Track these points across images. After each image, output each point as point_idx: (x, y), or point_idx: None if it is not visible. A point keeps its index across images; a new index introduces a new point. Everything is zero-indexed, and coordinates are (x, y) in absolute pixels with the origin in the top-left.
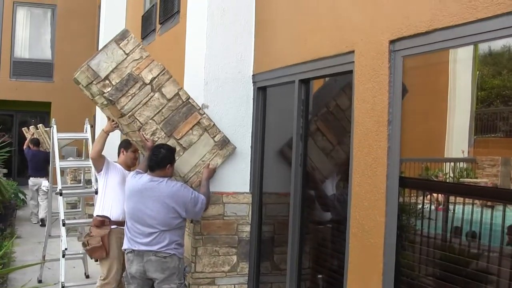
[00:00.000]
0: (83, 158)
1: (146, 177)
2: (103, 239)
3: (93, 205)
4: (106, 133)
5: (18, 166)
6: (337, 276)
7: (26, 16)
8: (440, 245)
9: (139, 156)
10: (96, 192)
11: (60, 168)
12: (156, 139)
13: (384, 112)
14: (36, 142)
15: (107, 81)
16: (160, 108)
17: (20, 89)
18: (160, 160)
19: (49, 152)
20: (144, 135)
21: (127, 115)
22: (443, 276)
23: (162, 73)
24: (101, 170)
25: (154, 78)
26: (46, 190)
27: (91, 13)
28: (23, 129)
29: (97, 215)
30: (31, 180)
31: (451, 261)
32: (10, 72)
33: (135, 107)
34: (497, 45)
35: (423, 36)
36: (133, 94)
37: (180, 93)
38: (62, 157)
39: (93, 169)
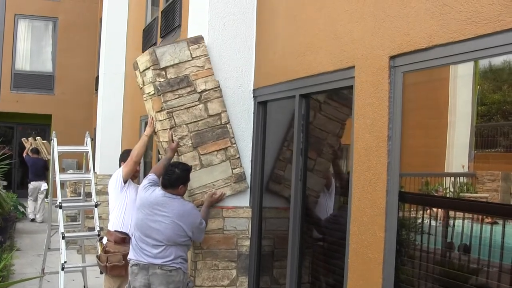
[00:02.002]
0: (83, 171)
1: (159, 191)
2: (125, 257)
3: (93, 218)
4: (147, 136)
5: (18, 179)
6: None
7: (27, 29)
8: (440, 261)
9: (140, 168)
10: (96, 206)
11: (60, 181)
12: (182, 144)
13: (384, 128)
14: (36, 151)
15: (163, 72)
16: (198, 119)
17: (20, 101)
18: (174, 180)
19: (47, 160)
20: (173, 136)
21: (166, 111)
22: None
23: (214, 89)
24: (127, 181)
25: (206, 90)
26: (44, 190)
27: (92, 26)
28: (22, 139)
29: (115, 231)
30: (32, 184)
31: (451, 276)
32: (11, 84)
33: (177, 106)
34: (498, 60)
35: (423, 52)
36: (180, 95)
37: (222, 114)
38: (62, 170)
39: (93, 182)
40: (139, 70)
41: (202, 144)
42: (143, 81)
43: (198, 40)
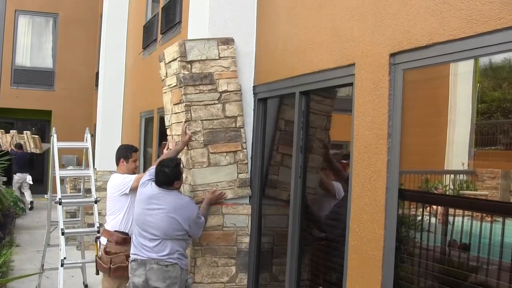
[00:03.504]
0: (83, 167)
1: (155, 185)
2: (128, 258)
3: (92, 214)
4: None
5: None
6: None
7: (28, 24)
8: (439, 258)
9: (139, 165)
10: (96, 202)
11: (60, 177)
12: (194, 139)
13: (384, 125)
14: (20, 146)
15: (188, 65)
16: (214, 118)
17: (20, 97)
18: (166, 180)
19: (31, 153)
20: (187, 129)
21: (185, 103)
22: None
23: (235, 92)
24: (136, 187)
25: (227, 91)
26: (30, 183)
27: (92, 22)
28: None
29: (116, 231)
30: (18, 175)
31: (450, 274)
32: (11, 80)
33: (196, 101)
34: (498, 58)
35: (424, 49)
36: (201, 91)
37: (238, 118)
38: (62, 166)
39: (92, 178)
40: (164, 62)
41: (214, 143)
42: (167, 73)
43: (228, 41)
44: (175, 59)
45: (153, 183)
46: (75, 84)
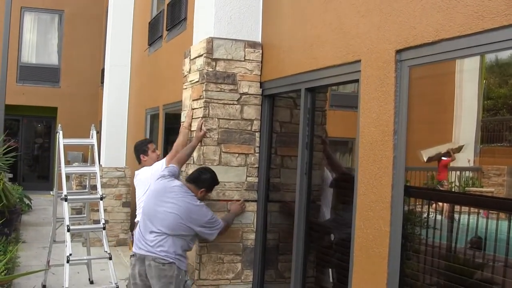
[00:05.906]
0: (88, 164)
1: (178, 182)
2: None
3: (98, 210)
4: (187, 128)
5: (24, 171)
6: (341, 285)
7: (33, 21)
8: (445, 255)
9: (161, 153)
10: (101, 198)
11: (66, 173)
12: (208, 136)
13: (390, 122)
14: None
15: (213, 63)
16: (231, 118)
17: (26, 94)
18: (202, 180)
19: None
20: (203, 125)
21: (204, 99)
22: (448, 286)
23: (255, 95)
24: None
25: (247, 94)
26: None
27: (98, 19)
28: None
29: None
30: None
31: (456, 271)
32: (16, 77)
33: (215, 99)
34: (504, 54)
35: (430, 46)
36: (222, 90)
37: (254, 122)
38: (67, 163)
39: (98, 174)
40: (189, 58)
41: (227, 143)
42: (190, 69)
43: (255, 45)
44: (201, 55)
45: (175, 181)
46: (80, 81)
